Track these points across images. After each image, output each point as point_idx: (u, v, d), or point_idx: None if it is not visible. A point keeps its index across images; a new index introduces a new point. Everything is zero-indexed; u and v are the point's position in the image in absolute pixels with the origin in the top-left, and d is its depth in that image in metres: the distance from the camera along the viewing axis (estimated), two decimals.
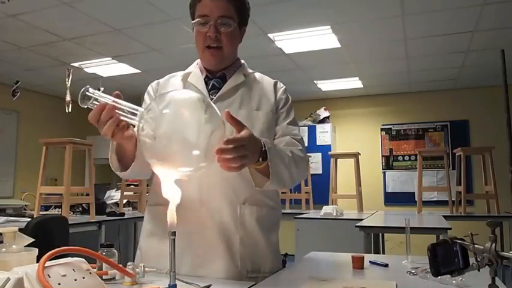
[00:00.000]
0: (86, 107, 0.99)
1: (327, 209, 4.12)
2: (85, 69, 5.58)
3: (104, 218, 3.74)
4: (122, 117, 0.99)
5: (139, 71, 5.72)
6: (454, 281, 1.01)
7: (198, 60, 1.35)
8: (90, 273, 0.88)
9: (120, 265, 1.05)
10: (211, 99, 1.25)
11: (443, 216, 3.90)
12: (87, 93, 0.98)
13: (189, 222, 1.17)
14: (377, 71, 5.86)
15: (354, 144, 6.74)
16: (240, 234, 1.19)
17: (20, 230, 0.99)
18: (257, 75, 1.38)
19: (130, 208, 4.88)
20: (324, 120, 7.01)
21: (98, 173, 7.23)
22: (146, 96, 1.36)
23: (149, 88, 1.37)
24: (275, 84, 1.36)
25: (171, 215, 0.87)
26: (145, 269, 1.07)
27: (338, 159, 5.06)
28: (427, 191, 6.14)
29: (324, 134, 6.91)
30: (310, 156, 6.17)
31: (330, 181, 4.91)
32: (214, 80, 1.30)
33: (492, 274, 0.80)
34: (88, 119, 0.99)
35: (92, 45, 4.78)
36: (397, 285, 1.03)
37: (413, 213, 4.47)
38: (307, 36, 4.48)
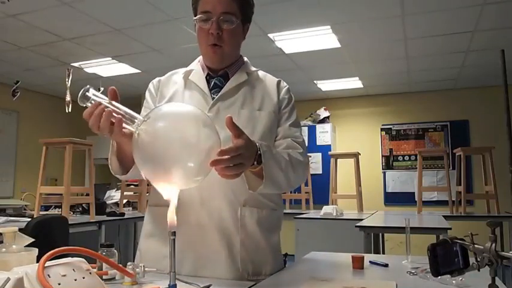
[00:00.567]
0: (84, 105, 0.99)
1: (327, 209, 4.12)
2: (85, 69, 5.58)
3: (104, 218, 3.74)
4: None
5: (139, 71, 5.72)
6: (454, 281, 1.01)
7: (200, 58, 1.33)
8: (90, 273, 0.88)
9: (120, 265, 1.05)
10: (213, 98, 1.24)
11: (443, 216, 3.90)
12: (87, 93, 0.97)
13: (190, 224, 1.16)
14: (377, 71, 5.86)
15: (354, 144, 6.74)
16: (241, 237, 1.18)
17: (20, 230, 0.99)
18: (260, 73, 1.35)
19: (130, 208, 4.88)
20: (324, 120, 7.01)
21: (98, 173, 7.23)
22: (147, 94, 1.35)
23: (150, 85, 1.35)
24: (278, 83, 1.34)
25: (171, 214, 0.87)
26: (145, 269, 1.07)
27: (338, 159, 5.06)
28: (427, 191, 6.14)
29: (324, 134, 6.91)
30: (310, 156, 6.16)
31: (330, 181, 4.91)
32: (216, 78, 1.28)
33: (492, 274, 0.80)
34: (84, 117, 0.97)
35: (92, 45, 4.78)
36: (397, 285, 1.03)
37: (413, 213, 4.47)
38: (307, 36, 4.48)
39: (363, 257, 1.30)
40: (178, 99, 1.26)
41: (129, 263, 1.06)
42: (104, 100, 0.97)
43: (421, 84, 6.49)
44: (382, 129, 7.09)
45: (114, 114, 0.95)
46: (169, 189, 0.90)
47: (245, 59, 1.35)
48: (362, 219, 3.62)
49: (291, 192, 5.49)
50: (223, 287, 1.07)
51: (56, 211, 4.13)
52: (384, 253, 4.67)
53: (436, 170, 6.60)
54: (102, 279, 0.97)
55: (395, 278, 1.10)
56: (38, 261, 0.82)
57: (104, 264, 1.05)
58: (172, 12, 3.90)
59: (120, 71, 5.69)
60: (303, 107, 6.97)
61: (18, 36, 4.50)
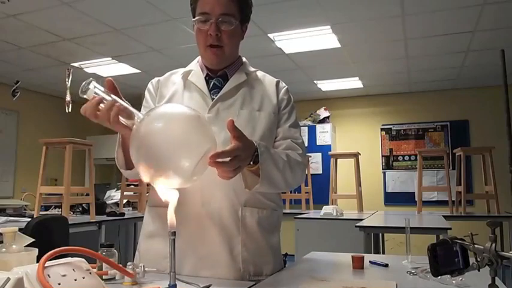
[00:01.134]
0: (85, 96, 0.99)
1: (327, 209, 4.11)
2: (85, 69, 5.58)
3: (104, 218, 3.74)
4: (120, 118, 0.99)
5: (139, 71, 5.72)
6: (454, 281, 1.01)
7: (199, 58, 1.32)
8: (90, 273, 0.88)
9: (120, 265, 1.05)
10: (213, 99, 1.24)
11: (443, 216, 3.91)
12: (89, 86, 0.98)
13: (190, 225, 1.16)
14: (377, 71, 5.86)
15: (354, 144, 6.74)
16: (242, 237, 1.18)
17: (20, 230, 0.99)
18: (259, 73, 1.35)
19: (130, 208, 4.88)
20: (324, 120, 7.01)
21: (98, 173, 7.27)
22: (147, 93, 1.35)
23: (149, 85, 1.35)
24: (277, 83, 1.34)
25: (171, 214, 0.87)
26: (145, 269, 1.07)
27: (338, 159, 5.06)
28: (427, 191, 6.14)
29: (324, 134, 6.91)
30: (310, 156, 6.18)
31: (330, 181, 4.91)
32: (216, 79, 1.28)
33: (492, 274, 0.80)
34: (81, 110, 0.97)
35: (92, 45, 4.78)
36: (397, 285, 1.03)
37: (413, 213, 4.46)
38: (307, 36, 4.48)
39: (363, 257, 1.30)
40: (178, 100, 1.26)
41: (129, 263, 1.06)
42: (104, 93, 0.98)
43: (421, 84, 6.49)
44: (382, 129, 7.09)
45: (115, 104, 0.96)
46: (165, 189, 0.90)
47: (244, 59, 1.35)
48: (362, 219, 3.62)
49: (291, 192, 5.50)
50: (224, 287, 1.07)
51: (56, 211, 4.13)
52: (383, 253, 4.67)
53: (436, 170, 6.60)
54: (102, 279, 0.97)
55: (395, 278, 1.10)
56: (38, 261, 0.82)
57: (104, 264, 1.05)
58: (172, 12, 3.90)
59: (120, 71, 5.69)
60: (303, 107, 6.98)
61: (18, 36, 4.50)
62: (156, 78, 1.36)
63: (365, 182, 5.25)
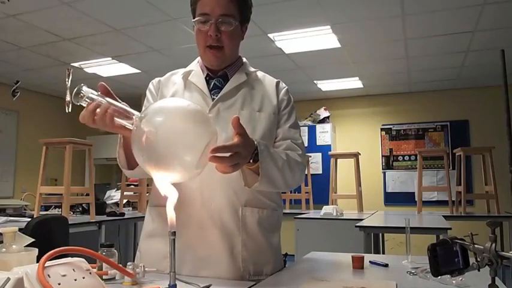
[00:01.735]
0: (78, 103, 1.00)
1: (327, 209, 4.11)
2: (85, 69, 5.58)
3: (104, 218, 3.74)
4: (116, 119, 0.99)
5: (139, 71, 5.72)
6: (454, 281, 1.01)
7: (199, 58, 1.32)
8: (90, 273, 0.88)
9: (120, 265, 1.05)
10: (213, 99, 1.24)
11: (443, 216, 3.91)
12: (81, 92, 0.99)
13: (190, 225, 1.16)
14: (377, 71, 5.86)
15: (354, 144, 6.74)
16: (242, 237, 1.18)
17: (20, 230, 0.99)
18: (259, 74, 1.35)
19: (130, 208, 4.88)
20: (324, 120, 7.01)
21: (98, 173, 7.27)
22: (148, 93, 1.35)
23: (150, 85, 1.36)
24: (277, 84, 1.34)
25: (170, 214, 0.87)
26: (146, 269, 1.07)
27: (338, 159, 5.06)
28: (427, 191, 6.14)
29: (324, 134, 6.91)
30: (310, 156, 6.17)
31: (330, 181, 4.91)
32: (216, 79, 1.28)
33: (492, 274, 0.80)
34: (79, 118, 1.00)
35: (92, 45, 4.78)
36: (397, 285, 1.03)
37: (413, 213, 4.46)
38: (307, 36, 4.48)
39: (363, 257, 1.30)
40: None
41: (129, 263, 1.06)
42: (99, 97, 0.99)
43: (421, 84, 6.49)
44: (382, 129, 7.08)
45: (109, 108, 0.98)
46: (166, 183, 0.90)
47: (244, 59, 1.35)
48: (362, 219, 3.62)
49: (291, 192, 5.50)
50: (224, 287, 1.07)
51: (56, 211, 4.13)
52: (384, 253, 4.67)
53: (436, 170, 6.60)
54: (102, 279, 0.97)
55: (395, 278, 1.10)
56: (38, 261, 0.82)
57: (104, 264, 1.05)
58: (172, 12, 3.90)
59: (120, 71, 5.69)
60: (303, 107, 6.98)
61: (18, 36, 4.50)
62: (157, 79, 1.36)
63: (365, 182, 5.25)
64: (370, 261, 1.35)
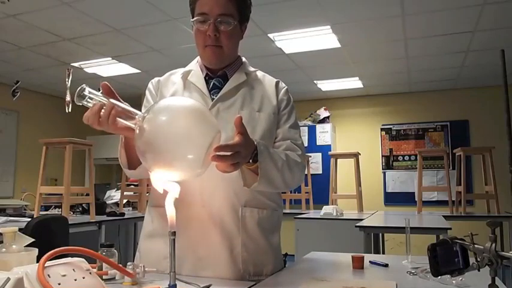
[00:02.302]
0: (81, 104, 1.00)
1: (327, 209, 4.11)
2: (85, 69, 5.58)
3: (104, 218, 3.74)
4: (118, 119, 0.99)
5: (139, 71, 5.72)
6: (454, 281, 1.01)
7: (198, 58, 1.32)
8: (90, 273, 0.88)
9: (120, 265, 1.05)
10: (213, 99, 1.24)
11: (443, 216, 3.90)
12: (83, 92, 0.98)
13: (190, 225, 1.16)
14: (377, 71, 5.86)
15: (354, 144, 6.74)
16: (242, 237, 1.18)
17: (20, 230, 0.99)
18: (259, 74, 1.35)
19: (130, 208, 4.88)
20: (324, 120, 7.01)
21: (98, 173, 7.27)
22: (147, 93, 1.34)
23: (150, 85, 1.35)
24: (277, 84, 1.34)
25: (171, 211, 0.87)
26: (146, 269, 1.07)
27: (338, 159, 5.05)
28: (427, 191, 6.14)
29: (324, 134, 6.91)
30: (310, 156, 6.17)
31: (330, 181, 4.91)
32: (215, 79, 1.28)
33: (492, 274, 0.80)
34: (83, 119, 0.99)
35: (92, 45, 4.78)
36: (397, 285, 1.03)
37: (413, 213, 4.46)
38: (307, 36, 4.48)
39: (363, 257, 1.30)
40: None
41: (129, 263, 1.06)
42: (102, 98, 0.98)
43: (421, 84, 6.49)
44: (382, 129, 7.08)
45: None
46: (169, 182, 0.90)
47: (243, 59, 1.35)
48: (362, 219, 3.62)
49: (291, 192, 5.50)
50: (224, 287, 1.07)
51: (56, 211, 4.13)
52: (383, 253, 4.67)
53: (436, 170, 6.60)
54: (102, 279, 0.97)
55: (395, 278, 1.11)
56: (38, 261, 0.82)
57: (104, 264, 1.05)
58: (172, 12, 3.90)
59: (120, 71, 5.69)
60: (303, 107, 6.98)
61: (18, 36, 4.50)
62: (156, 78, 1.36)
63: (365, 182, 5.24)
64: (370, 261, 1.35)
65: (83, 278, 0.85)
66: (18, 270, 0.76)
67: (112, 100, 0.99)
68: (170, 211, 0.87)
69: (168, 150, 0.88)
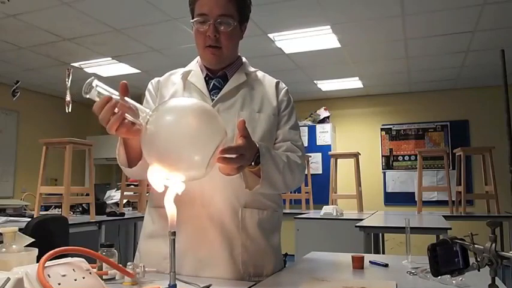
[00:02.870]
0: (87, 96, 0.97)
1: (327, 209, 4.11)
2: (85, 69, 5.58)
3: (104, 218, 3.74)
4: (126, 115, 0.96)
5: (139, 71, 5.72)
6: (454, 281, 1.01)
7: (198, 58, 1.32)
8: (90, 273, 0.88)
9: (120, 265, 1.05)
10: (213, 99, 1.23)
11: (443, 216, 3.90)
12: (92, 85, 0.96)
13: (190, 226, 1.16)
14: (377, 71, 5.86)
15: (354, 144, 6.74)
16: (242, 238, 1.18)
17: (20, 230, 0.99)
18: (259, 74, 1.35)
19: (130, 208, 4.88)
20: (324, 120, 7.01)
21: (98, 173, 7.27)
22: (147, 94, 1.34)
23: (149, 86, 1.34)
24: (277, 84, 1.33)
25: (171, 210, 0.87)
26: (145, 269, 1.07)
27: (338, 159, 5.05)
28: (427, 191, 6.14)
29: (324, 134, 6.91)
30: (310, 156, 6.17)
31: (330, 181, 4.91)
32: (215, 79, 1.27)
33: (492, 274, 0.80)
34: (93, 110, 0.94)
35: (92, 45, 4.78)
36: (397, 285, 1.03)
37: (413, 213, 4.46)
38: (307, 36, 4.48)
39: (363, 257, 1.30)
40: None
41: (129, 263, 1.06)
42: (112, 93, 0.96)
43: (421, 84, 6.49)
44: (382, 129, 7.08)
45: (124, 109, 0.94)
46: (171, 180, 0.90)
47: (243, 59, 1.34)
48: (362, 219, 3.62)
49: (291, 192, 5.49)
50: (224, 287, 1.07)
51: (56, 211, 4.13)
52: (383, 253, 4.67)
53: (436, 170, 6.60)
54: (102, 279, 0.97)
55: (395, 278, 1.11)
56: (38, 261, 0.82)
57: (104, 264, 1.05)
58: (172, 12, 3.90)
59: (120, 71, 5.68)
60: (303, 107, 6.98)
61: (18, 36, 4.50)
62: (156, 79, 1.35)
63: (365, 182, 5.24)
64: (370, 261, 1.35)
65: (83, 278, 0.85)
66: (18, 270, 0.76)
67: (127, 99, 0.96)
68: (171, 210, 0.87)
69: (176, 150, 0.88)
